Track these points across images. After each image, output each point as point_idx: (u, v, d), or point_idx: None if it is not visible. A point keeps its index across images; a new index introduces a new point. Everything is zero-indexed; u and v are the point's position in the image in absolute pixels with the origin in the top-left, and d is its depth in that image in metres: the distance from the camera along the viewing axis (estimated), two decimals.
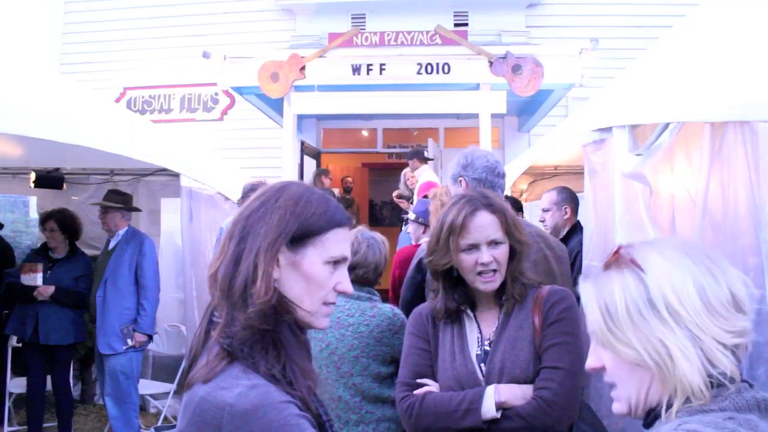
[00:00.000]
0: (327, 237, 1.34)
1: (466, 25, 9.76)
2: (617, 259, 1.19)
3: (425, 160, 7.73)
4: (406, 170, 7.79)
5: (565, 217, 4.40)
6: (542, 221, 4.51)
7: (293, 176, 7.86)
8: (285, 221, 1.30)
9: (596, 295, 1.20)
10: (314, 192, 1.38)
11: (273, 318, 1.26)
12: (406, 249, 4.39)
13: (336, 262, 1.35)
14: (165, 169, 5.01)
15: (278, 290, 1.28)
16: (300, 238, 1.31)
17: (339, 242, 1.36)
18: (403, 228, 4.85)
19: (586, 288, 1.22)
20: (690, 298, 1.12)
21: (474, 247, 2.02)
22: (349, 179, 11.58)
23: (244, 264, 1.27)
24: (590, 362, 1.23)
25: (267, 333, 1.25)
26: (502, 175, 2.76)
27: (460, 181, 2.76)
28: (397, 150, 11.16)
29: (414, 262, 3.28)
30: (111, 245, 5.19)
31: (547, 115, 8.95)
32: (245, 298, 1.25)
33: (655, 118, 2.53)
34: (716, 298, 1.13)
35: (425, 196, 4.78)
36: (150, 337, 5.12)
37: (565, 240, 4.25)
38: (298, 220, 1.31)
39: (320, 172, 9.02)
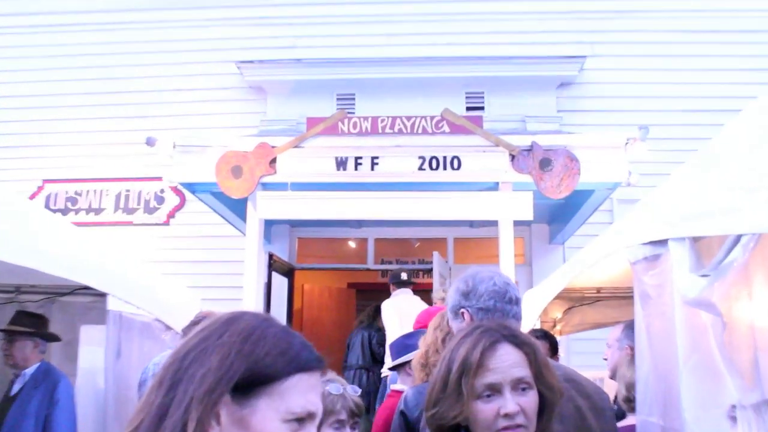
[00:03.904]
0: (287, 385, 1.30)
1: (482, 108, 10.06)
2: None
3: (402, 283, 7.77)
4: (435, 293, 7.77)
5: (627, 358, 4.33)
6: (605, 359, 4.53)
7: (257, 298, 7.80)
8: (228, 362, 1.27)
9: None
10: (272, 324, 1.36)
11: None
12: (389, 402, 4.25)
13: (300, 420, 1.31)
14: (88, 288, 4.95)
15: None
16: (249, 385, 1.28)
17: (303, 393, 1.32)
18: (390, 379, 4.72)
19: None
20: None
21: (495, 390, 1.99)
22: None
23: (170, 419, 1.23)
24: None
25: None
26: (516, 302, 2.76)
27: (462, 313, 2.76)
28: (394, 267, 11.17)
29: (396, 417, 3.22)
30: (15, 389, 5.05)
31: (586, 223, 9.04)
32: None
33: (722, 229, 2.52)
34: None
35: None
36: None
37: None
38: (246, 360, 1.28)
39: (377, 308, 9.27)
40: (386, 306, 8.22)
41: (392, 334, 7.75)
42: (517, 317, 2.75)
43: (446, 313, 4.01)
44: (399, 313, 7.86)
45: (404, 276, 8.32)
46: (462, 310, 2.75)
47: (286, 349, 1.32)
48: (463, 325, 2.69)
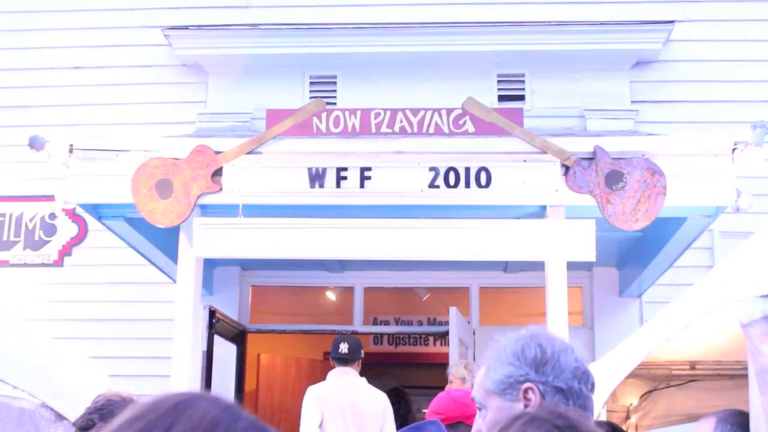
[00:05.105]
0: None
1: (522, 98, 10.11)
2: None
3: (342, 360, 7.88)
4: (455, 367, 7.78)
5: None
6: None
7: (192, 374, 7.77)
8: None
9: None
10: (239, 416, 1.36)
11: None
12: None
13: None
14: None
15: None
16: None
17: None
18: None
19: None
20: None
21: None
22: None
23: None
24: None
25: None
26: (594, 388, 2.73)
27: (527, 390, 2.64)
28: (391, 329, 11.18)
29: None
30: None
31: (673, 266, 9.04)
32: None
33: None
34: None
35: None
36: None
37: None
38: None
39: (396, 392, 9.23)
40: (309, 393, 8.01)
41: None
42: (593, 410, 2.74)
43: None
44: (323, 404, 7.83)
45: (343, 348, 8.06)
46: (529, 385, 2.63)
47: None
48: (521, 406, 2.60)
